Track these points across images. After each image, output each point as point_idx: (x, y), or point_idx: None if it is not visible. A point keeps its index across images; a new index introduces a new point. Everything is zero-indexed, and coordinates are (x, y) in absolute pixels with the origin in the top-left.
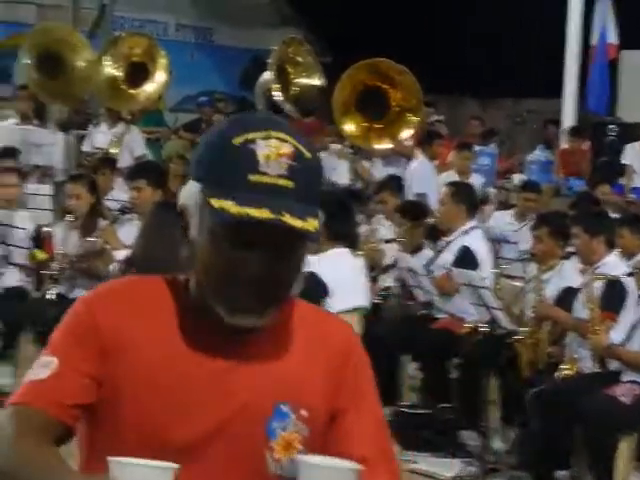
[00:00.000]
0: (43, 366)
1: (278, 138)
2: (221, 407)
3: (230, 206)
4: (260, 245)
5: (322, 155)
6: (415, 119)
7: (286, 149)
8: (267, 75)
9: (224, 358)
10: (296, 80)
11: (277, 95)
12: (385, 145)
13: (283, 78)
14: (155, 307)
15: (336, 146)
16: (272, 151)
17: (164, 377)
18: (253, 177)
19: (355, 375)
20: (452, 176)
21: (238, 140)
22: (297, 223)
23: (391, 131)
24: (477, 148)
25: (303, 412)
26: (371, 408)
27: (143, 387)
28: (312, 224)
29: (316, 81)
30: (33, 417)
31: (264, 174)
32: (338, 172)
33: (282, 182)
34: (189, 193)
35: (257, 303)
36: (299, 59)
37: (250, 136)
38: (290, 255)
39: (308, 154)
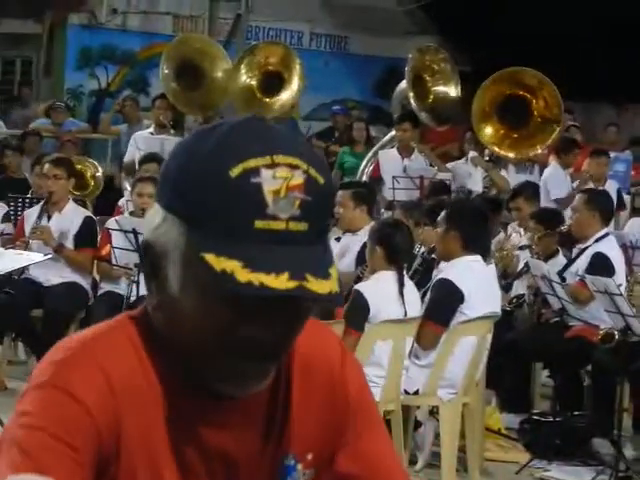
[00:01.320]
0: None
1: (286, 164)
2: None
3: (238, 270)
4: (273, 313)
5: (460, 162)
6: (555, 130)
7: (297, 179)
8: (403, 84)
9: (214, 430)
10: (433, 88)
11: (413, 104)
12: (523, 154)
13: (420, 87)
14: (131, 371)
15: (473, 153)
16: (281, 185)
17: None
18: (260, 223)
19: (355, 401)
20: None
21: (236, 171)
22: (323, 288)
23: (531, 141)
24: (612, 154)
25: (309, 456)
26: (380, 436)
27: None
28: (335, 280)
29: (453, 89)
30: None
31: (274, 218)
32: (473, 179)
33: (295, 226)
34: (164, 230)
35: (260, 369)
36: (436, 67)
37: (251, 164)
38: (305, 314)
39: (321, 178)
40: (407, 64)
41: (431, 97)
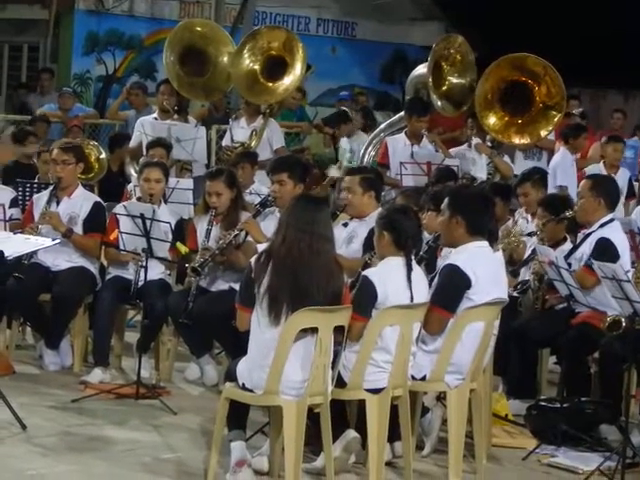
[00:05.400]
0: None
1: None
2: None
3: None
4: None
5: (463, 149)
6: (558, 116)
7: None
8: (420, 69)
9: None
10: (449, 77)
11: (430, 90)
12: (525, 140)
13: (437, 74)
14: None
15: (477, 140)
16: None
17: None
18: None
19: None
20: (599, 168)
21: None
22: None
23: (533, 127)
24: None
25: None
26: None
27: None
28: None
29: (467, 79)
30: None
31: None
32: (477, 166)
33: None
34: None
35: None
36: (457, 57)
37: None
38: None
39: None
40: (431, 52)
41: (446, 85)
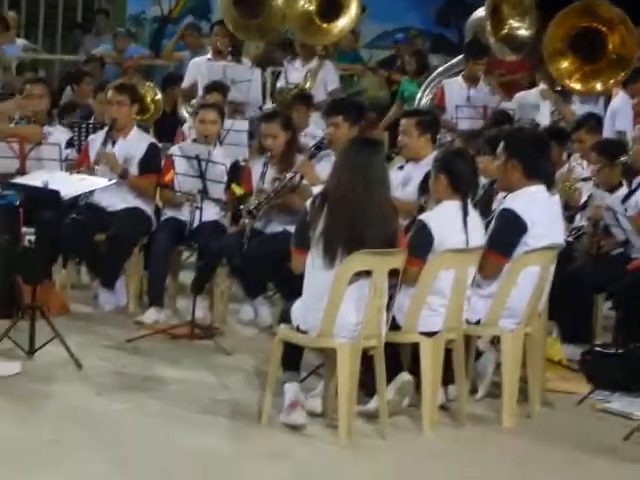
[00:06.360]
0: None
1: None
2: None
3: None
4: None
5: (529, 94)
6: (627, 69)
7: None
8: (480, 12)
9: None
10: (509, 20)
11: (488, 34)
12: (593, 89)
13: (497, 17)
14: None
15: (543, 86)
16: None
17: None
18: None
19: None
20: None
21: None
22: None
23: (602, 76)
24: None
25: None
26: None
27: None
28: None
29: (528, 24)
30: None
31: None
32: (541, 112)
33: None
34: None
35: None
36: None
37: None
38: None
39: None
40: None
41: (505, 29)
